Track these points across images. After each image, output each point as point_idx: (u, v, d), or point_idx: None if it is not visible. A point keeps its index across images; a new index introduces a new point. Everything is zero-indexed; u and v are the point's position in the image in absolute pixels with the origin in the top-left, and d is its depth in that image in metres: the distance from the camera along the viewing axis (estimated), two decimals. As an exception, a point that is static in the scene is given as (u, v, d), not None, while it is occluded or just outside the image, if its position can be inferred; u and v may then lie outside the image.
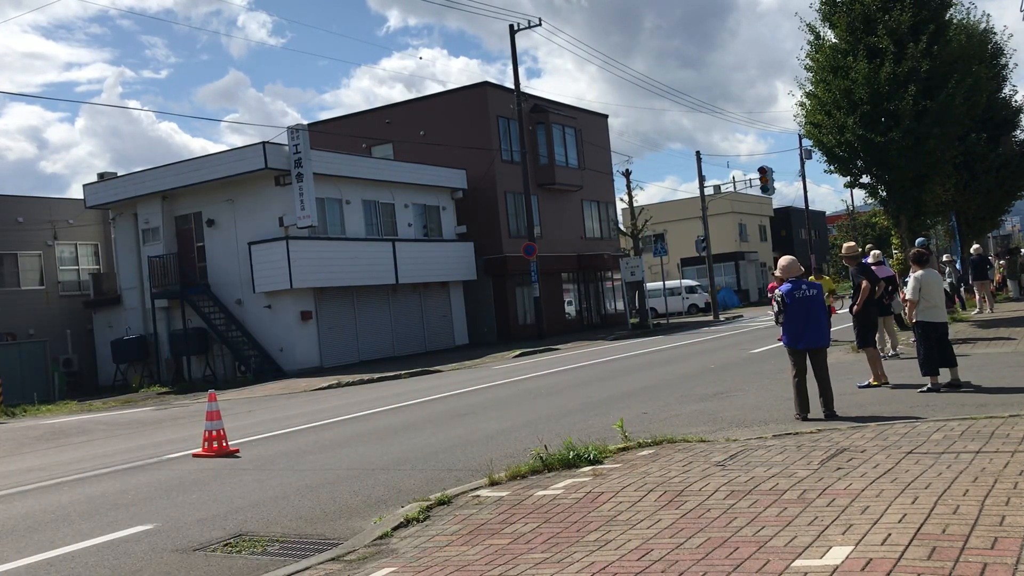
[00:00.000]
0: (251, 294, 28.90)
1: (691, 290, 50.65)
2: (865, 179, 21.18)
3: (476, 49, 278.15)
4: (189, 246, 30.66)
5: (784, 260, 10.11)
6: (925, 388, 10.68)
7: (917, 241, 18.03)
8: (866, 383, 11.67)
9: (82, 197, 32.60)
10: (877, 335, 13.20)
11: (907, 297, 10.73)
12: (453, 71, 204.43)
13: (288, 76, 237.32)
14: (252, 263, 28.57)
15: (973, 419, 8.13)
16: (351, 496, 8.11)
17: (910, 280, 10.80)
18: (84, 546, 7.12)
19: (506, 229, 36.58)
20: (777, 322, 10.13)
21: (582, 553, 5.27)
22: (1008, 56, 26.53)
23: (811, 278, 16.41)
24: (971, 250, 23.62)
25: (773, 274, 11.78)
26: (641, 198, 48.63)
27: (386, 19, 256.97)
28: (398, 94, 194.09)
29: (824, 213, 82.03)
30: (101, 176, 33.35)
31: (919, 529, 4.94)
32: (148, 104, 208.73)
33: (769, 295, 13.10)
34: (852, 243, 13.59)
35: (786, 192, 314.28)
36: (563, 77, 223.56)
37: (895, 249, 22.78)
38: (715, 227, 57.65)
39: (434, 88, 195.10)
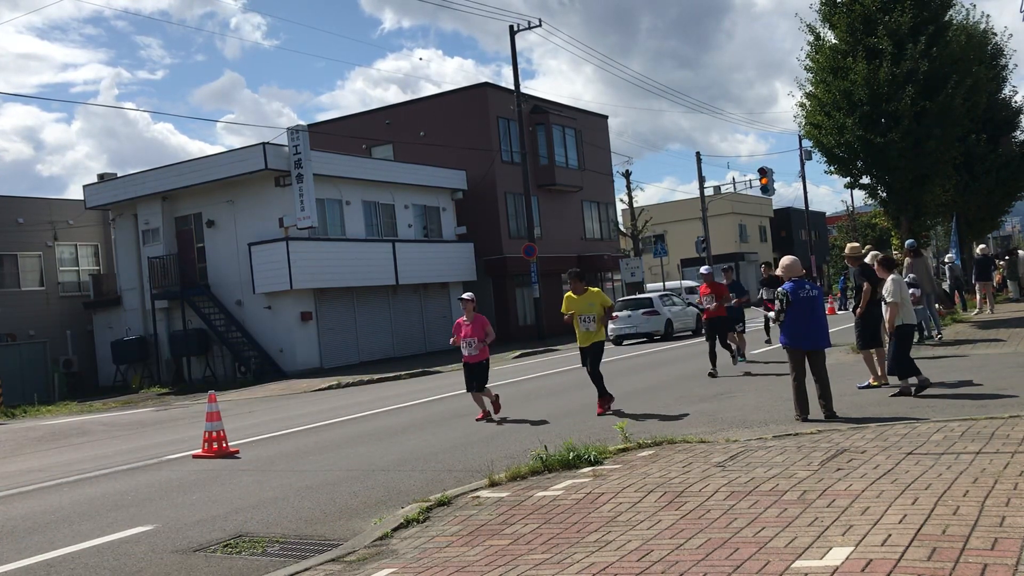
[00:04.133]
0: (251, 295, 28.90)
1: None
2: (865, 180, 21.17)
3: (471, 50, 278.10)
4: (189, 247, 30.67)
5: (786, 260, 10.07)
6: (900, 390, 10.60)
7: (907, 243, 17.99)
8: (866, 384, 11.66)
9: (82, 198, 32.62)
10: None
11: (889, 300, 10.71)
12: (448, 72, 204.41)
13: (283, 78, 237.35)
14: (252, 264, 28.58)
15: (973, 420, 8.13)
16: (351, 497, 8.11)
17: (888, 284, 10.78)
18: (84, 547, 7.12)
19: (506, 230, 36.58)
20: (776, 320, 10.03)
21: (582, 554, 5.27)
22: (1008, 57, 26.58)
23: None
24: (976, 250, 23.61)
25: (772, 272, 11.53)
26: (641, 199, 48.75)
27: (380, 21, 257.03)
28: (393, 95, 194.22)
29: (824, 214, 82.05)
30: (101, 177, 33.38)
31: (919, 530, 4.93)
32: (144, 105, 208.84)
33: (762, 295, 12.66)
34: (855, 244, 13.50)
35: (786, 193, 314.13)
36: (559, 78, 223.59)
37: (895, 250, 22.76)
38: (715, 228, 57.69)
39: (429, 89, 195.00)
